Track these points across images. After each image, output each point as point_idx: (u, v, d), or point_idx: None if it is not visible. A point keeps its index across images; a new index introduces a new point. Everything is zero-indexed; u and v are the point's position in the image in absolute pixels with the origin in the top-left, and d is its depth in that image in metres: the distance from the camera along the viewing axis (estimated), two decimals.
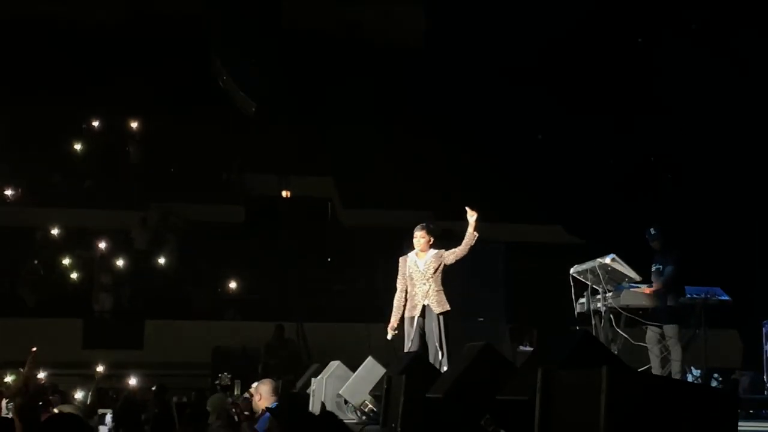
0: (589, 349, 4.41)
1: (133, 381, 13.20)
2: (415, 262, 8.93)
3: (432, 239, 8.98)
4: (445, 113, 19.64)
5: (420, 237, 8.95)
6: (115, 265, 17.53)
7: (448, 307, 8.78)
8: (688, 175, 17.60)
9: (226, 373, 13.86)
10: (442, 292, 8.83)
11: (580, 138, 18.55)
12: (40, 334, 14.91)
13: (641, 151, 18.44)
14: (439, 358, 8.43)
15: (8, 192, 19.05)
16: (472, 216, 8.79)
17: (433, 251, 8.93)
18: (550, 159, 19.10)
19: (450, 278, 13.19)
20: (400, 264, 9.03)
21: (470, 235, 8.80)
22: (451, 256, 8.87)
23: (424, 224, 9.08)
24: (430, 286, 8.82)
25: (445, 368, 7.71)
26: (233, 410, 9.13)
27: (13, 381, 8.67)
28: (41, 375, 11.22)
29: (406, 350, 8.69)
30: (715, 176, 17.05)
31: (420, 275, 8.87)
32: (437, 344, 8.60)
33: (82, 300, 17.39)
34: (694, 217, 15.64)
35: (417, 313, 8.79)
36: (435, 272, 8.83)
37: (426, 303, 8.78)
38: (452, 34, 20.40)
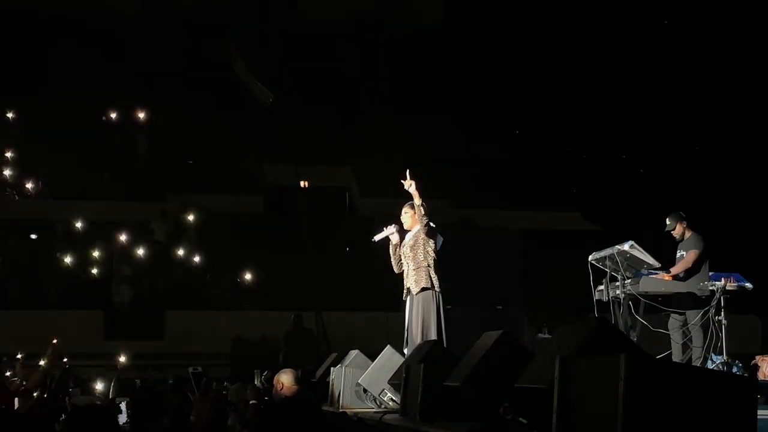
0: (606, 336, 4.41)
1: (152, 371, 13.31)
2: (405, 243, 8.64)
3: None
4: (463, 100, 19.60)
5: (404, 212, 8.58)
6: (135, 256, 17.63)
7: (424, 285, 8.27)
8: (708, 158, 17.50)
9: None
10: (423, 269, 8.32)
11: (597, 123, 18.49)
12: (62, 326, 15.01)
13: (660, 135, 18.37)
14: (418, 342, 7.93)
15: (29, 185, 19.21)
16: (410, 186, 8.24)
17: (417, 227, 8.50)
18: (569, 146, 19.05)
19: (469, 266, 13.20)
20: None
21: (418, 208, 8.30)
22: (422, 227, 8.38)
23: (412, 202, 8.49)
24: (408, 265, 8.45)
25: None
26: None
27: (40, 371, 8.72)
28: (65, 360, 11.33)
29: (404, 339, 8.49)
30: (734, 159, 16.96)
31: (404, 257, 8.56)
32: (418, 328, 8.17)
33: (103, 291, 17.50)
34: (714, 202, 15.55)
35: (405, 296, 8.52)
36: (412, 249, 8.42)
37: (407, 285, 8.46)
38: (471, 18, 20.36)
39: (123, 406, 6.47)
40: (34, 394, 7.32)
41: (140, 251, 17.67)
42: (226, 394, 10.54)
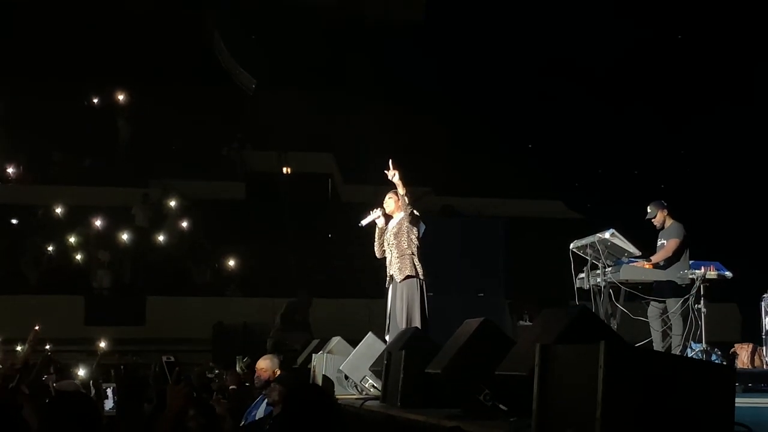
0: (586, 323, 4.43)
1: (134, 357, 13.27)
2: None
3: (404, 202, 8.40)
4: (445, 88, 19.60)
5: (387, 198, 8.61)
6: (116, 242, 17.54)
7: (408, 272, 8.29)
8: (689, 150, 17.59)
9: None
10: (407, 257, 8.32)
11: (581, 113, 18.54)
12: (43, 311, 14.93)
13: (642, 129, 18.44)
14: (403, 328, 7.99)
15: (9, 170, 19.06)
16: (393, 176, 8.26)
17: (400, 215, 8.52)
18: (551, 134, 19.08)
19: (450, 254, 13.21)
20: None
21: (402, 197, 8.37)
22: (406, 215, 8.39)
23: (395, 189, 8.49)
24: (392, 253, 8.44)
25: None
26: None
27: (19, 356, 8.67)
28: (48, 347, 11.28)
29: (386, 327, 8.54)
30: (716, 150, 17.05)
31: (387, 244, 8.56)
32: (402, 316, 8.20)
33: (83, 277, 17.43)
34: (694, 191, 15.65)
35: (387, 284, 8.53)
36: (396, 237, 8.42)
37: (391, 273, 8.46)
38: (453, 8, 20.34)
39: (110, 391, 6.43)
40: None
41: (121, 237, 17.56)
42: (209, 378, 10.56)
